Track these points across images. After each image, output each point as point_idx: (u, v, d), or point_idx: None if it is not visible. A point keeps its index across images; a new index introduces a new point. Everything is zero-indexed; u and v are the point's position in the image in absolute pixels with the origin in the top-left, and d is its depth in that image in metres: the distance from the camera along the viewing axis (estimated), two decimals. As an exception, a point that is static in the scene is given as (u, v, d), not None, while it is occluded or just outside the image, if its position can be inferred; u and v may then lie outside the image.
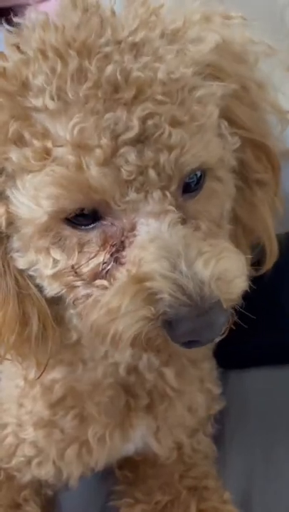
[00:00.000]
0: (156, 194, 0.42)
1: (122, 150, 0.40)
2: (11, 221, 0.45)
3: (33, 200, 0.42)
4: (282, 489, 0.62)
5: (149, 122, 0.40)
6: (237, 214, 0.53)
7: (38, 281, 0.47)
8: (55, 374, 0.57)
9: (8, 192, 0.44)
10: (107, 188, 0.41)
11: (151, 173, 0.41)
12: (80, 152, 0.40)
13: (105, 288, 0.43)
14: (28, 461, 0.60)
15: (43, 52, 0.42)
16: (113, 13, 0.45)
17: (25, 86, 0.42)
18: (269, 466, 0.64)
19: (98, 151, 0.40)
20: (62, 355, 0.55)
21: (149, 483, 0.62)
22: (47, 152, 0.41)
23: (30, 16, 0.46)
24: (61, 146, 0.40)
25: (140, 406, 0.59)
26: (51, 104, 0.41)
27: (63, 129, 0.40)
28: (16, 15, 0.47)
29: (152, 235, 0.42)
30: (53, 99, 0.41)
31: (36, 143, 0.41)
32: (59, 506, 0.65)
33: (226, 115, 0.48)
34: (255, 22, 0.54)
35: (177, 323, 0.40)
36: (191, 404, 0.61)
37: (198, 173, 0.45)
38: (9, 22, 0.46)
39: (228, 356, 0.69)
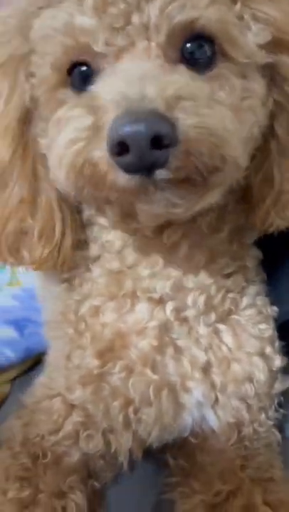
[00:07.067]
0: (142, 44, 0.42)
1: None
2: (32, 95, 0.48)
3: (42, 55, 0.46)
4: None
5: None
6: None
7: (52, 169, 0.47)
8: (104, 318, 0.55)
9: (32, 65, 0.48)
10: (93, 29, 0.42)
11: (135, 18, 0.41)
12: None
13: None
14: (76, 433, 0.56)
15: None
16: None
17: None
18: None
19: None
20: (108, 288, 0.55)
21: (208, 471, 0.56)
22: None
23: None
24: None
25: (196, 366, 0.54)
26: None
27: None
28: None
29: (122, 69, 0.42)
30: None
31: None
32: (107, 501, 0.59)
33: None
34: None
35: (115, 128, 0.38)
36: (250, 372, 0.56)
37: (207, 50, 0.43)
38: None
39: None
